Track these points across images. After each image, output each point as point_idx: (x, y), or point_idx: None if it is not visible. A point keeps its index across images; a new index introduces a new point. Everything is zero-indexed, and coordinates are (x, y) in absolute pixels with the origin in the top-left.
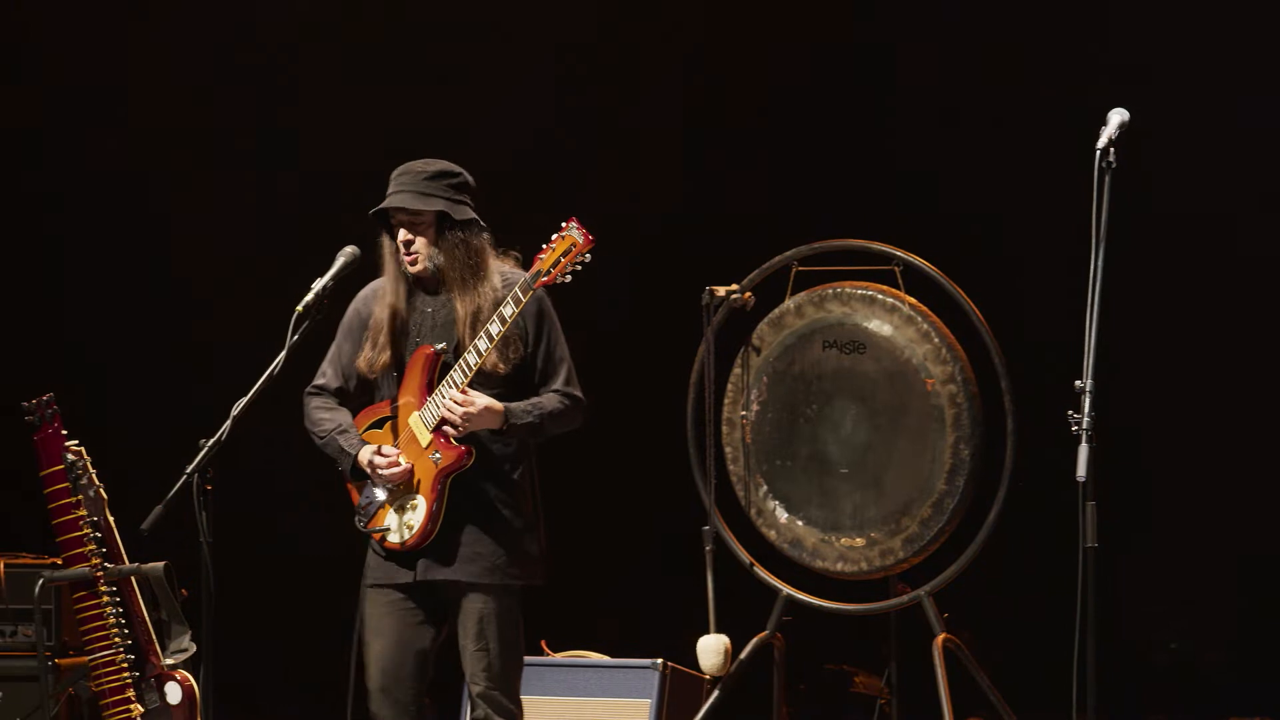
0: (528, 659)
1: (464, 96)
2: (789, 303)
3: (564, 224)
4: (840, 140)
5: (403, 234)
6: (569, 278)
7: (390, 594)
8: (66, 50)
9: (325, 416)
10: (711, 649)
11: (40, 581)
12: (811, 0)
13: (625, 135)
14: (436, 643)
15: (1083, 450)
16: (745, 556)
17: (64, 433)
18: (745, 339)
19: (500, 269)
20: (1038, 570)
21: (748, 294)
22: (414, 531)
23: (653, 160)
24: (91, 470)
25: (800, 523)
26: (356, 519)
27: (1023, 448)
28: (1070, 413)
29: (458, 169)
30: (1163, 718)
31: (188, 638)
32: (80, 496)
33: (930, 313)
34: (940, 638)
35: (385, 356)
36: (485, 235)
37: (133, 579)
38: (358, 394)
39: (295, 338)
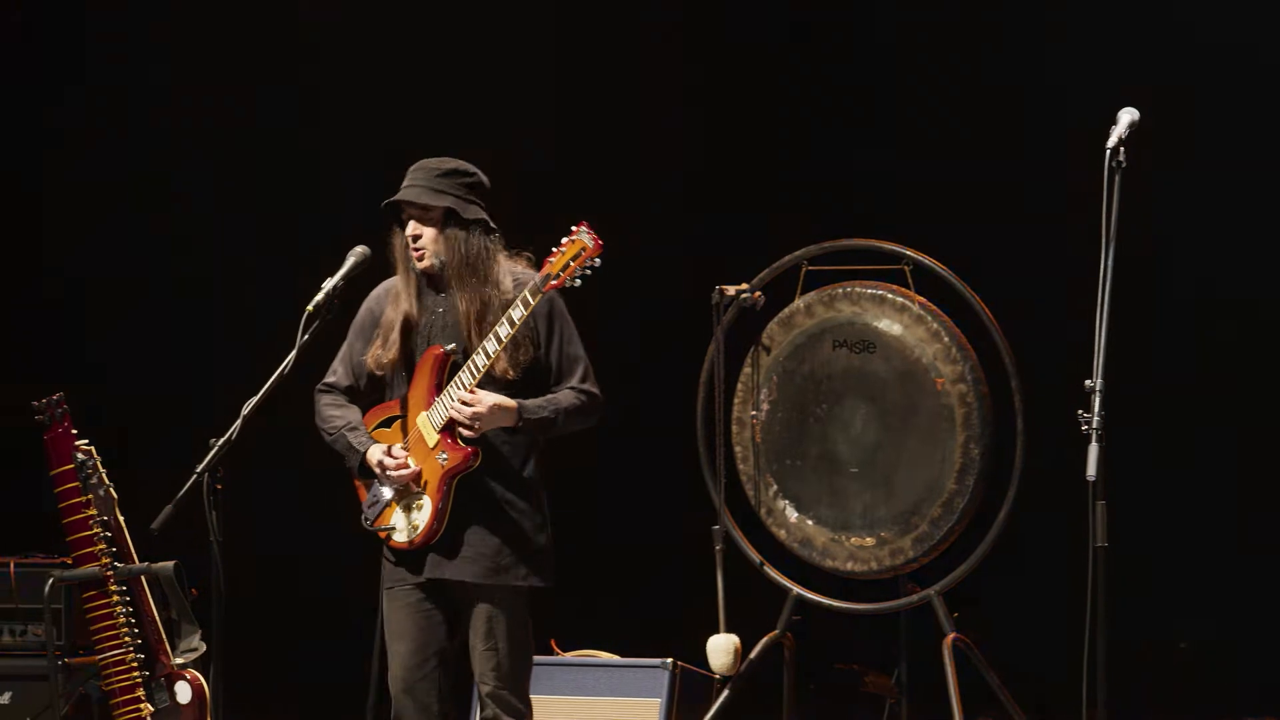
0: (538, 658)
1: (470, 96)
2: (799, 302)
3: (574, 228)
4: (849, 139)
5: (411, 227)
6: (578, 282)
7: (408, 596)
8: (71, 46)
9: (335, 414)
10: (721, 648)
11: (50, 581)
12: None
13: (635, 133)
14: (455, 642)
15: (1093, 449)
16: (755, 556)
17: (74, 432)
18: (755, 338)
19: (512, 269)
20: (1049, 569)
21: (758, 293)
22: (420, 531)
23: (662, 159)
24: (101, 470)
25: (810, 522)
26: (363, 517)
27: (1032, 447)
28: (1080, 412)
29: (473, 169)
30: (1173, 717)
31: (197, 637)
32: (90, 496)
33: (940, 312)
34: (950, 637)
35: (393, 354)
36: (493, 236)
37: (143, 578)
38: (368, 392)
39: (306, 337)
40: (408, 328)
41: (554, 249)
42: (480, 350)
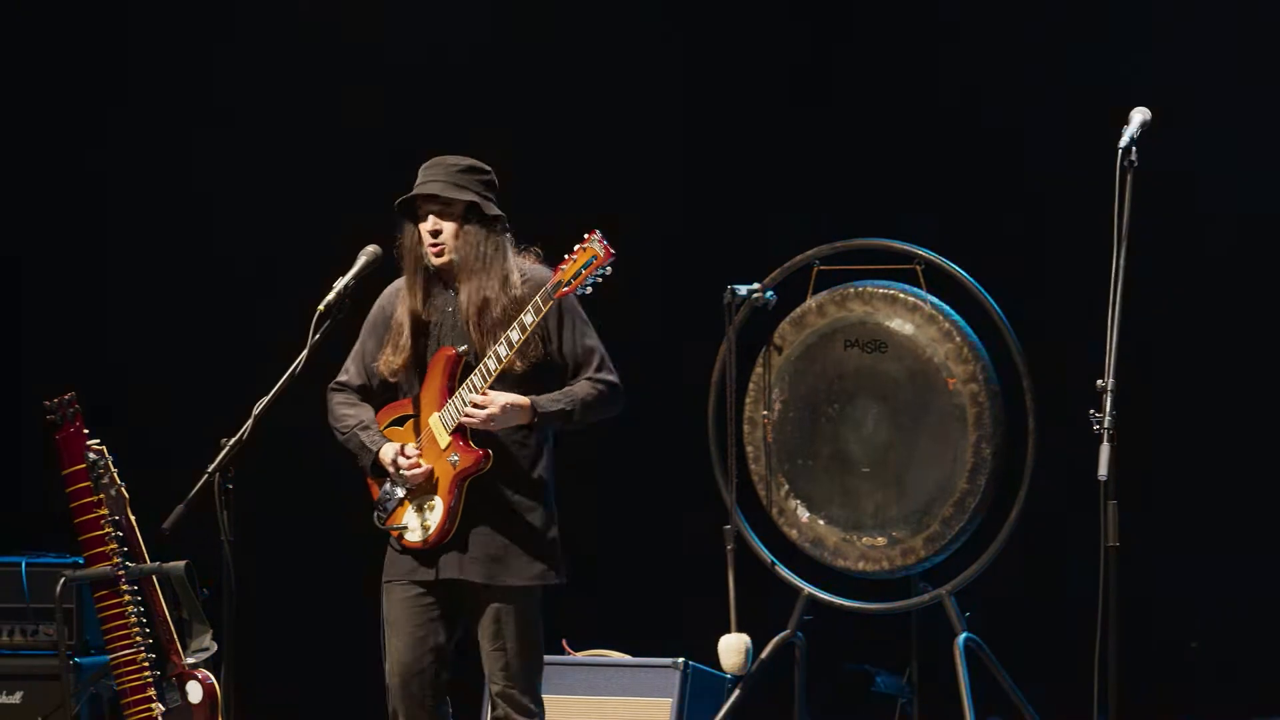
0: (549, 658)
1: (478, 94)
2: (811, 302)
3: (586, 235)
4: (860, 139)
5: (431, 222)
6: (589, 289)
7: (408, 590)
8: (83, 47)
9: (348, 413)
10: (733, 648)
11: (61, 580)
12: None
13: (646, 133)
14: (453, 639)
15: (1104, 449)
16: (767, 556)
17: (85, 431)
18: (767, 338)
19: (520, 265)
20: (1060, 569)
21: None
22: (431, 531)
23: (674, 158)
24: (113, 469)
25: (822, 522)
26: (375, 515)
27: (1043, 446)
28: (1092, 412)
29: (487, 166)
30: (1185, 716)
31: (209, 637)
32: (102, 495)
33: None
34: (961, 637)
35: (405, 357)
36: (508, 234)
37: (154, 578)
38: (380, 391)
39: (317, 337)
40: (418, 329)
41: (566, 256)
42: (492, 354)
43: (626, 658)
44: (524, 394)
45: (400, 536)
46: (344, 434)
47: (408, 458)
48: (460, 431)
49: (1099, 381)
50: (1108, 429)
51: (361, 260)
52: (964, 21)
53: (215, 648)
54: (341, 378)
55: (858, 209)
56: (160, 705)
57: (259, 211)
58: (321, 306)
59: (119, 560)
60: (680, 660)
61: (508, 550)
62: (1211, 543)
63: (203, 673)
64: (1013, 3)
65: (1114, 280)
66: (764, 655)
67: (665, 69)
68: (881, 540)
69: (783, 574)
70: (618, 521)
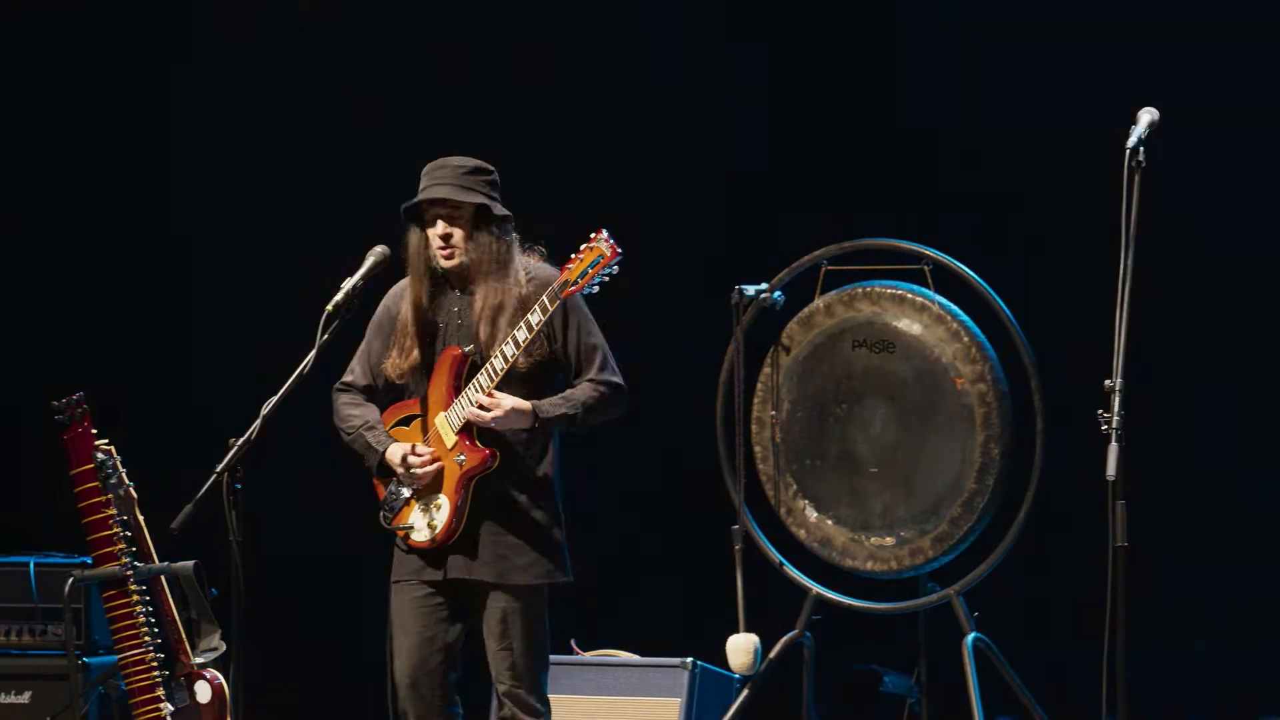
0: (558, 658)
1: (484, 92)
2: (818, 302)
3: (593, 234)
4: (870, 139)
5: (441, 226)
6: (596, 288)
7: (415, 590)
8: (90, 65)
9: (354, 413)
10: (741, 648)
11: (70, 580)
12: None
13: (654, 132)
14: (461, 637)
15: (1112, 449)
16: (775, 556)
17: (94, 431)
18: (775, 338)
19: (526, 264)
20: (1069, 569)
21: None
22: (439, 530)
23: (682, 158)
24: (121, 469)
25: (830, 522)
26: (381, 515)
27: (1051, 446)
28: (1100, 412)
29: (490, 166)
30: (1192, 716)
31: (217, 637)
32: (110, 495)
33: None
34: (970, 637)
35: (412, 359)
36: (514, 233)
37: (162, 578)
38: (385, 392)
39: (325, 337)
40: (424, 331)
41: (572, 255)
42: (498, 353)
43: (635, 658)
44: (530, 393)
45: (407, 536)
46: (349, 434)
47: (419, 456)
48: (466, 431)
49: (1107, 382)
50: (1116, 429)
51: (370, 260)
52: (984, 24)
53: (223, 648)
54: (347, 378)
55: (865, 209)
56: (168, 705)
57: (268, 211)
58: (330, 306)
59: (127, 560)
60: (689, 660)
61: (514, 549)
62: (1219, 544)
63: (211, 673)
64: (1017, 2)
65: (1121, 280)
66: (772, 655)
67: (673, 68)
68: (890, 540)
69: (791, 574)
70: (626, 521)
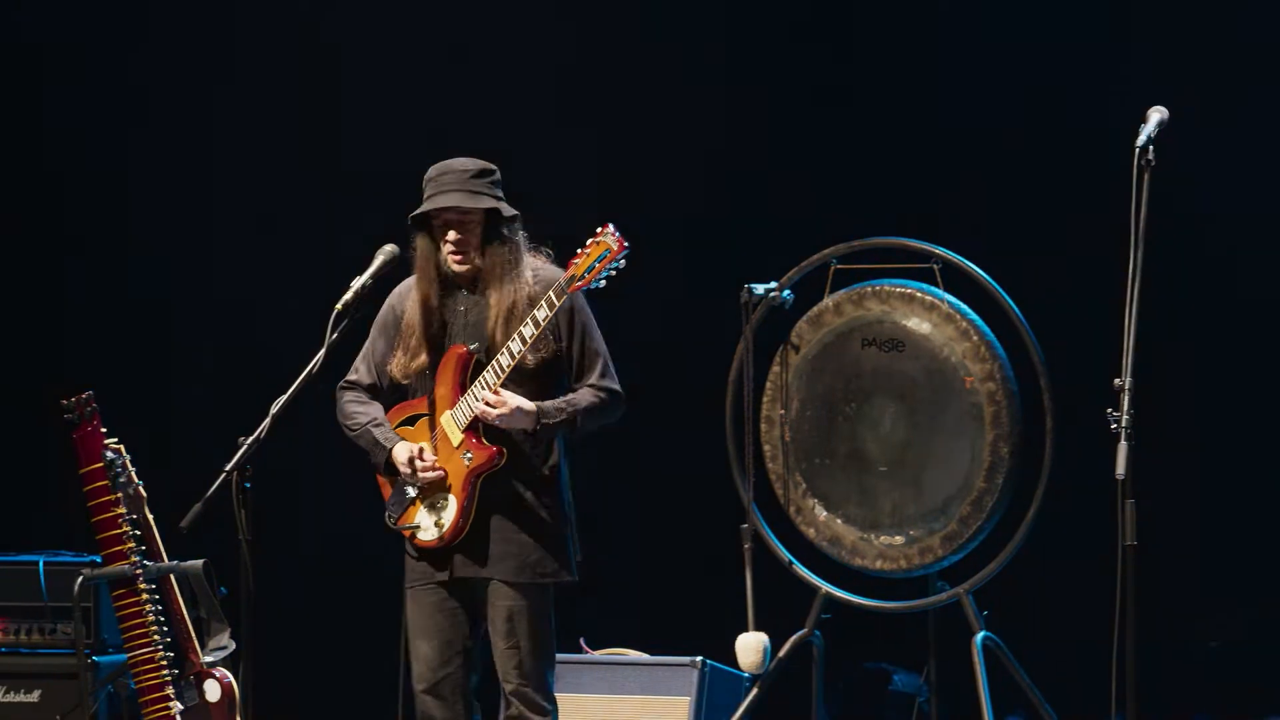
0: (567, 657)
1: (486, 93)
2: (828, 301)
3: (599, 229)
4: (880, 138)
5: (453, 234)
6: (603, 283)
7: (430, 594)
8: (102, 50)
9: (359, 410)
10: (750, 647)
11: (79, 579)
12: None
13: (665, 132)
14: (478, 640)
15: (1122, 448)
16: (784, 554)
17: (103, 430)
18: (784, 337)
19: (532, 264)
20: (1078, 568)
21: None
22: (445, 529)
23: (692, 157)
24: (131, 468)
25: (839, 521)
26: (387, 515)
27: (1061, 445)
28: (1109, 410)
29: (493, 166)
30: (1202, 715)
31: (227, 635)
32: (119, 494)
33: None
34: (979, 636)
35: (421, 359)
36: (522, 232)
37: (172, 576)
38: (389, 391)
39: (334, 336)
40: (431, 331)
41: (579, 250)
42: (505, 350)
43: (644, 656)
44: (536, 390)
45: (413, 536)
46: (355, 431)
47: (424, 460)
48: (473, 429)
49: (1117, 380)
50: (1125, 428)
51: (379, 259)
52: (992, 22)
53: (233, 646)
54: (351, 376)
55: (874, 207)
56: (178, 704)
57: (277, 210)
58: (339, 305)
59: (137, 559)
60: (698, 659)
61: (521, 547)
62: (1228, 541)
63: (220, 671)
64: (1028, 3)
65: (1130, 278)
66: (782, 654)
67: (684, 67)
68: (899, 539)
69: (800, 573)
70: (635, 520)
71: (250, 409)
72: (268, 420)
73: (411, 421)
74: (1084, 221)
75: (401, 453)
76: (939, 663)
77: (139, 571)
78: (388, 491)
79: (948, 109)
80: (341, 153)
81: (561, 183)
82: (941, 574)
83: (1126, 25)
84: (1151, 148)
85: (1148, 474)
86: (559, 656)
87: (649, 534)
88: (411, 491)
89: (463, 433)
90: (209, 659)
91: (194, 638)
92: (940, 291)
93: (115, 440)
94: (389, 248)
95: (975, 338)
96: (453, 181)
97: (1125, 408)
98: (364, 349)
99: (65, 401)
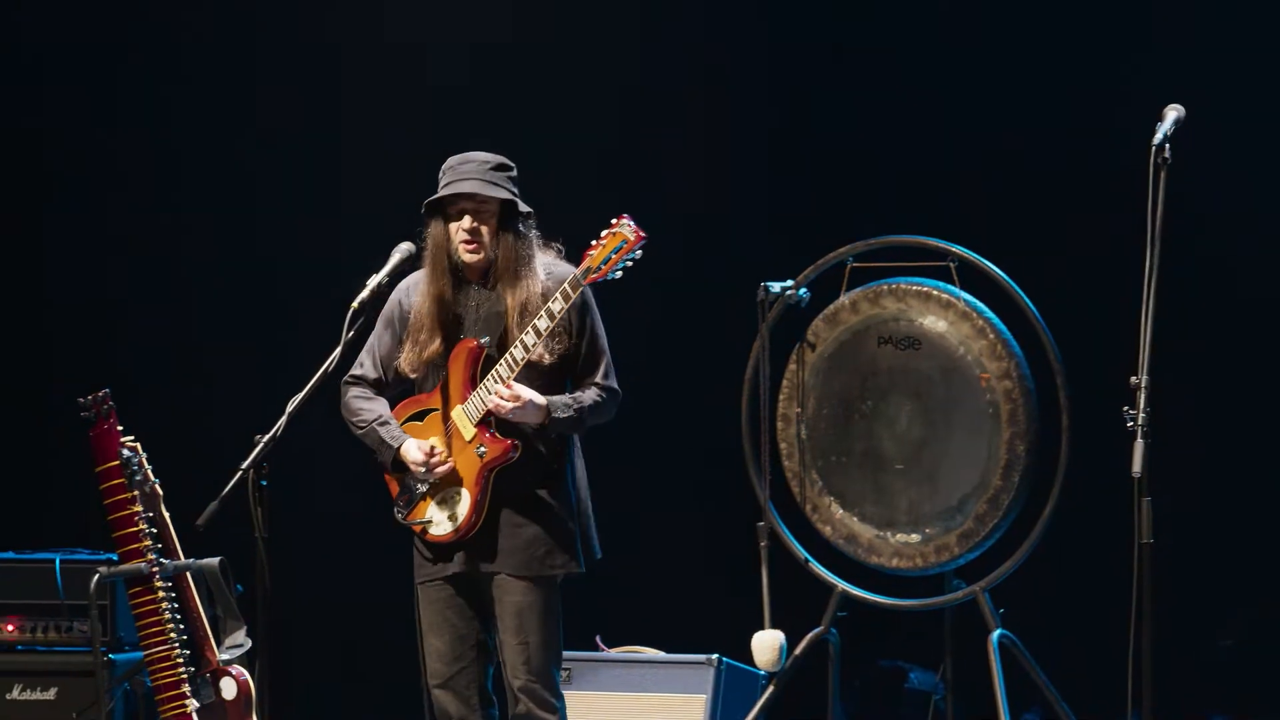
0: (583, 654)
1: (508, 91)
2: (844, 299)
3: (615, 220)
4: (894, 136)
5: (468, 221)
6: (619, 274)
7: (441, 589)
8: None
9: (365, 406)
10: (766, 645)
11: (95, 577)
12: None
13: (680, 130)
14: (491, 631)
15: (1138, 446)
16: (800, 552)
17: (120, 428)
18: (800, 335)
19: (543, 260)
20: (1094, 566)
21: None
22: (460, 522)
23: (708, 155)
24: (147, 466)
25: (855, 519)
26: (396, 511)
27: (1077, 443)
28: (1126, 408)
29: (511, 163)
30: (1218, 713)
31: (243, 633)
32: (136, 492)
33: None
34: (995, 634)
35: (430, 352)
36: (534, 230)
37: (188, 574)
38: (394, 386)
39: (350, 334)
40: (442, 324)
41: (594, 242)
42: (519, 343)
43: (661, 654)
44: (546, 386)
45: (424, 531)
46: (361, 428)
47: (436, 455)
48: (485, 423)
49: (1133, 378)
50: (1142, 426)
51: (396, 257)
52: (1001, 21)
53: (249, 644)
54: (356, 371)
55: (890, 205)
56: (194, 701)
57: (297, 209)
58: (356, 303)
59: (153, 557)
60: (714, 657)
61: (532, 541)
62: (1244, 540)
63: (237, 669)
64: (1042, 4)
65: (1147, 277)
66: (798, 652)
67: (699, 64)
68: (915, 537)
69: (816, 571)
70: (651, 518)
71: (267, 407)
72: (284, 418)
73: (419, 417)
74: (1100, 220)
75: (412, 451)
76: (955, 660)
77: (155, 569)
78: (395, 489)
79: (964, 106)
80: (354, 151)
81: (572, 182)
82: (958, 572)
83: (1147, 24)
84: (1168, 146)
85: (1164, 472)
86: (576, 655)
87: (665, 532)
88: (421, 487)
89: (476, 426)
90: (225, 657)
91: (210, 635)
92: (956, 290)
93: (131, 439)
94: (405, 245)
95: (991, 336)
96: (472, 170)
97: (1141, 405)
98: (369, 343)
99: (82, 400)
